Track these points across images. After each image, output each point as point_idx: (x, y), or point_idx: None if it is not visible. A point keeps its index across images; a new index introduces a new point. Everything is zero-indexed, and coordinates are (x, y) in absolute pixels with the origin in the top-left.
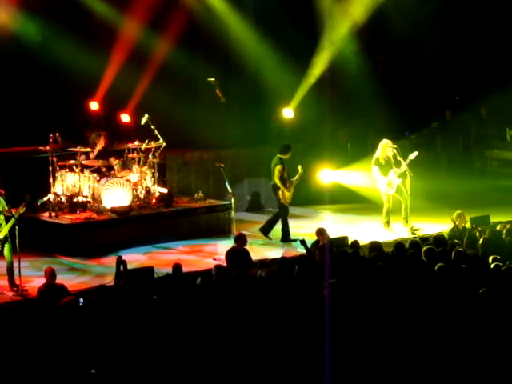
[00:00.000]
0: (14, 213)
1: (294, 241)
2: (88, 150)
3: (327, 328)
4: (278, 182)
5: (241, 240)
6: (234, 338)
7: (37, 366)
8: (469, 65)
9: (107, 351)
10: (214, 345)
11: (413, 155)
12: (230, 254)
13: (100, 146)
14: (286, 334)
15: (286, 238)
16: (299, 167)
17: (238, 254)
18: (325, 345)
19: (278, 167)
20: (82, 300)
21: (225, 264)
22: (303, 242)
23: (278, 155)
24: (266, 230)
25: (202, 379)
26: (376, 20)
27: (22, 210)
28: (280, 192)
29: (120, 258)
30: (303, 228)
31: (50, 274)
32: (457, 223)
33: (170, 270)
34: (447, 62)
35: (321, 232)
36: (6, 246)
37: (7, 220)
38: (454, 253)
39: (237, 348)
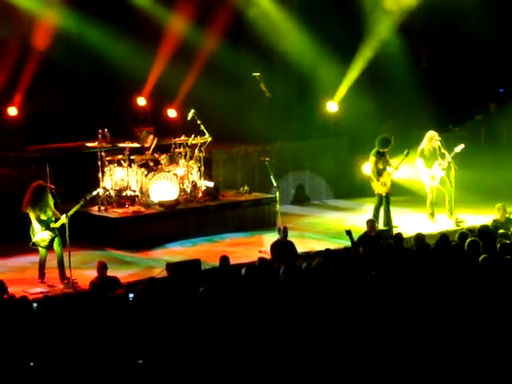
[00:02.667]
0: (71, 210)
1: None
2: (136, 145)
3: (370, 320)
4: (371, 173)
5: (284, 232)
6: (278, 329)
7: (85, 356)
8: None
9: (154, 342)
10: (261, 336)
11: (459, 148)
12: (274, 246)
13: (149, 143)
14: (330, 325)
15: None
16: (405, 152)
17: (283, 246)
18: (367, 336)
19: (373, 159)
20: (131, 295)
21: (270, 257)
22: (349, 233)
23: (377, 147)
24: (386, 223)
25: (248, 370)
26: (420, 14)
27: (81, 204)
28: (372, 183)
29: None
30: (347, 220)
31: (101, 268)
32: (499, 216)
33: (216, 262)
34: (492, 54)
35: (369, 223)
36: (56, 240)
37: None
38: (499, 245)
39: (281, 338)
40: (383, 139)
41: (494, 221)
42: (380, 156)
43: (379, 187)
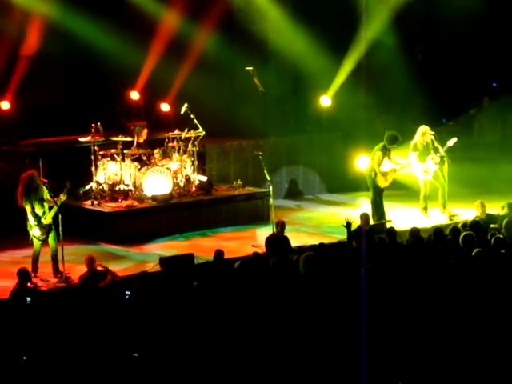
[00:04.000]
0: (56, 201)
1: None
2: (129, 139)
3: (364, 313)
4: (375, 166)
5: (281, 227)
6: (270, 323)
7: (80, 350)
8: (507, 51)
9: (149, 335)
10: (255, 330)
11: (452, 141)
12: (269, 240)
13: (143, 137)
14: (323, 319)
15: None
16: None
17: (278, 240)
18: (361, 330)
19: (378, 154)
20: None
21: (263, 250)
22: (348, 226)
23: (384, 143)
24: (380, 216)
25: (242, 364)
26: (415, 7)
27: (63, 197)
28: (376, 177)
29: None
30: (341, 215)
31: (89, 262)
32: (479, 213)
33: (210, 256)
34: (485, 49)
35: (361, 217)
36: (51, 234)
37: (50, 208)
38: (493, 239)
39: (275, 331)
40: (393, 136)
41: (475, 217)
42: (385, 152)
43: (382, 181)
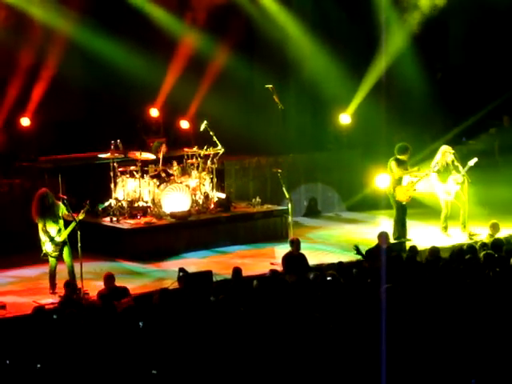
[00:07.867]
0: (75, 217)
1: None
2: (148, 155)
3: (383, 332)
4: (392, 179)
5: (296, 244)
6: (288, 340)
7: (100, 367)
8: None
9: (168, 353)
10: (273, 347)
11: (472, 161)
12: (286, 258)
13: (162, 153)
14: (342, 338)
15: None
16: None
17: (295, 258)
18: (381, 349)
19: (392, 163)
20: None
21: (282, 268)
22: (358, 250)
23: (395, 155)
24: (400, 234)
25: (259, 380)
26: (434, 26)
27: (81, 215)
28: (395, 191)
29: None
30: (360, 233)
31: (107, 279)
32: (491, 233)
33: (228, 274)
34: (505, 67)
35: (380, 236)
36: (66, 250)
37: (66, 224)
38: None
39: (293, 349)
40: (401, 146)
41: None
42: (399, 164)
43: (401, 194)
